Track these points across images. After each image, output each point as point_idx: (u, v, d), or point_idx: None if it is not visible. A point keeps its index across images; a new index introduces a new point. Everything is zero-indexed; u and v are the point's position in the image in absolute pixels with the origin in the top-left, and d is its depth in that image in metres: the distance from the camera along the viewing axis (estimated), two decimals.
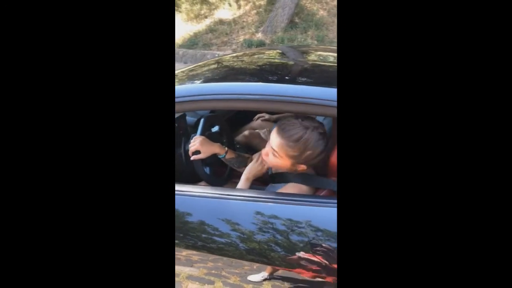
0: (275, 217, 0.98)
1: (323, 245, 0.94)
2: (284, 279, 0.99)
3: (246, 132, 2.02)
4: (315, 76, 1.29)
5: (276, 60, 1.60)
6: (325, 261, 0.94)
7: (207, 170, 1.45)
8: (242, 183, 1.26)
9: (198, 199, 1.07)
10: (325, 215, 0.97)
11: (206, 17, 7.26)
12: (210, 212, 1.05)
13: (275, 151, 1.11)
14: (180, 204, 1.05)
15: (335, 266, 0.93)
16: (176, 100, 1.09)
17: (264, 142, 2.05)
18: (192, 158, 1.35)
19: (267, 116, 2.33)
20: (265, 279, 1.01)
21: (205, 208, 1.06)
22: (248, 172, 1.28)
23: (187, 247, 1.04)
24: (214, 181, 1.45)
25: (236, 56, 1.72)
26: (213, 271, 1.04)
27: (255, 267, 1.00)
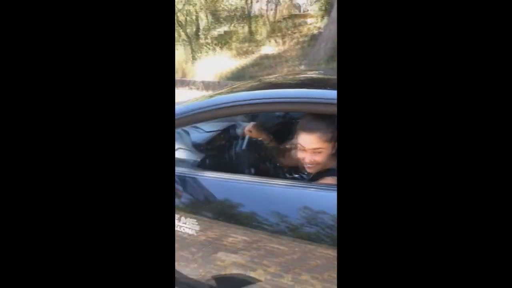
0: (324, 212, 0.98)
1: None
2: None
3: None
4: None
5: (314, 76, 1.72)
6: None
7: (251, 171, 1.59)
8: None
9: (249, 187, 1.13)
10: None
11: (253, 52, 7.80)
12: (260, 203, 1.08)
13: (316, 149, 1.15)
14: (229, 192, 1.14)
15: None
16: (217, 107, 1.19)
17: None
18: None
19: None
20: None
21: (256, 198, 1.10)
22: None
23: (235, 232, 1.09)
24: None
25: (277, 76, 1.86)
26: (255, 259, 1.08)
27: (295, 256, 0.99)
